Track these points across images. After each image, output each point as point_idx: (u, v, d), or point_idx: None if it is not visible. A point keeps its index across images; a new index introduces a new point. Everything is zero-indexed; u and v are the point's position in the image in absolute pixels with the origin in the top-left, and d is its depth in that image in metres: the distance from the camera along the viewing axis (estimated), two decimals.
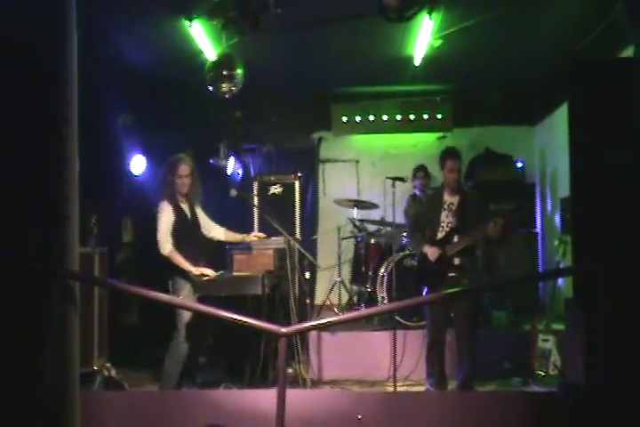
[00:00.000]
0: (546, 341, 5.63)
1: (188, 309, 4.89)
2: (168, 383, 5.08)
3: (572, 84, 4.27)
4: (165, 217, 5.17)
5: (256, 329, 3.69)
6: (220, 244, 5.66)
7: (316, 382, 5.91)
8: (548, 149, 8.35)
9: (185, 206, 5.34)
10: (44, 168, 3.20)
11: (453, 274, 5.26)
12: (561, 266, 5.72)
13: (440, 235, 5.34)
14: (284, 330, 3.46)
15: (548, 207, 8.17)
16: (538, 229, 8.12)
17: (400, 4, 4.53)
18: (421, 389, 5.61)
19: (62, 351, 3.11)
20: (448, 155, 5.42)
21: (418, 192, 7.51)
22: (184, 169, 5.27)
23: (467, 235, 5.21)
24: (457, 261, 5.26)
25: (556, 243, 5.87)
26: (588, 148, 4.03)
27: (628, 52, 5.09)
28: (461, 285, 5.16)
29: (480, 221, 5.16)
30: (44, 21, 3.58)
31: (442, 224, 5.34)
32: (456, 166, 5.35)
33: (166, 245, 5.11)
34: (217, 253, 5.66)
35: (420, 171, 7.56)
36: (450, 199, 5.37)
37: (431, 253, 5.27)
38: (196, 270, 5.09)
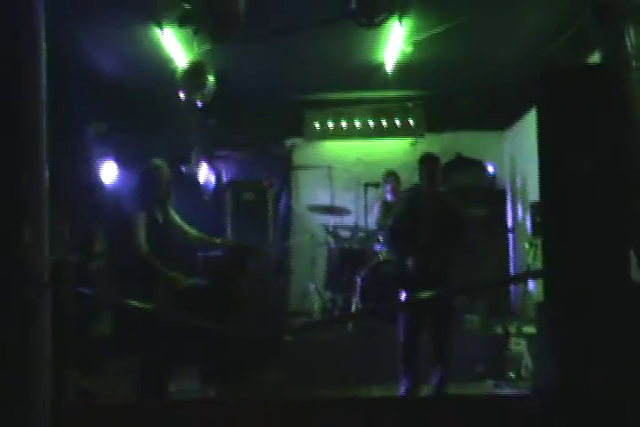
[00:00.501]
0: (518, 344, 5.69)
1: (161, 317, 4.87)
2: (142, 393, 5.04)
3: (540, 92, 4.34)
4: (140, 223, 5.13)
5: (230, 335, 3.70)
6: (194, 251, 5.64)
7: (291, 388, 5.90)
8: (517, 153, 8.44)
9: (159, 213, 5.31)
10: (13, 174, 3.17)
11: (433, 281, 5.16)
12: (532, 269, 5.78)
13: (421, 241, 5.27)
14: (257, 336, 3.47)
15: (519, 211, 8.25)
16: (509, 234, 8.19)
17: (370, 9, 4.56)
18: (395, 393, 5.63)
19: (34, 361, 3.08)
20: (426, 160, 5.43)
21: (389, 197, 7.55)
22: (161, 176, 5.25)
23: (449, 242, 5.19)
24: (437, 267, 5.22)
25: (527, 246, 5.93)
26: (556, 153, 4.10)
27: (596, 58, 5.17)
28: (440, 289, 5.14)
29: (459, 226, 5.23)
30: (12, 26, 3.55)
31: (422, 230, 5.29)
32: (435, 172, 5.36)
33: (143, 247, 5.07)
34: (190, 261, 5.63)
35: (391, 175, 7.60)
36: (429, 205, 5.34)
37: (414, 260, 5.22)
38: (171, 275, 5.07)
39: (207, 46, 5.62)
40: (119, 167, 7.07)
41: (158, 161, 5.36)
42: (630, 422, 3.02)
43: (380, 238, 6.59)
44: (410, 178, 8.05)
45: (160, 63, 6.12)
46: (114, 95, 6.88)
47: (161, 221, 5.30)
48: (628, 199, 3.57)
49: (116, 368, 6.32)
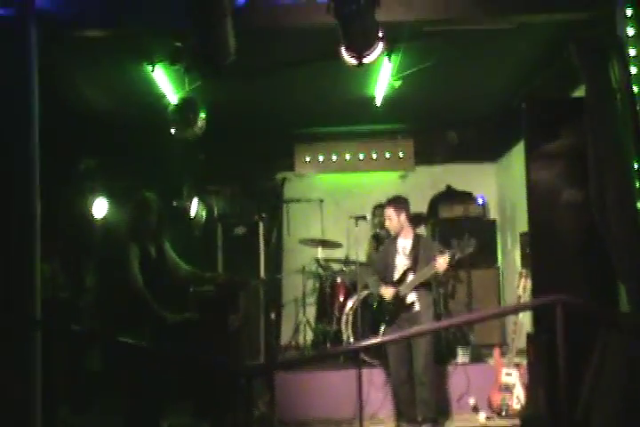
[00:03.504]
0: (509, 375, 5.67)
1: (153, 354, 4.83)
2: None
3: (527, 124, 4.41)
4: (133, 255, 5.11)
5: (222, 370, 3.68)
6: (185, 286, 5.61)
7: (283, 423, 5.85)
8: (506, 185, 8.51)
9: (152, 247, 5.30)
10: (4, 213, 3.19)
11: (408, 312, 5.51)
12: (522, 300, 5.79)
13: (396, 276, 5.62)
14: (249, 370, 3.45)
15: (508, 242, 8.28)
16: (499, 264, 8.21)
17: (359, 48, 4.63)
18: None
19: (24, 399, 3.06)
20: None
21: (378, 230, 7.61)
22: (151, 208, 5.26)
23: (418, 273, 5.47)
24: (410, 298, 5.52)
25: (517, 277, 5.95)
26: (543, 184, 4.15)
27: (581, 92, 5.26)
28: (417, 322, 5.42)
29: (430, 260, 5.43)
30: (5, 67, 3.60)
31: (397, 266, 5.65)
32: (407, 216, 5.67)
33: (137, 281, 5.04)
34: (181, 296, 5.60)
35: (380, 208, 7.65)
36: (403, 243, 5.68)
37: (385, 292, 5.56)
38: (162, 313, 5.04)
39: (198, 83, 5.69)
40: (109, 202, 7.08)
41: (148, 193, 5.37)
42: None
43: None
44: None
45: (151, 99, 6.18)
46: (105, 131, 6.92)
47: (154, 255, 5.28)
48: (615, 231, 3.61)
49: (106, 405, 6.25)
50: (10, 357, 3.02)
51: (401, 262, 5.63)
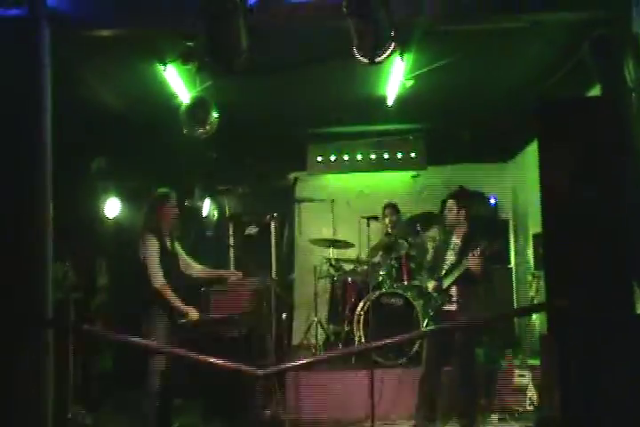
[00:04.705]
0: (522, 376, 5.64)
1: (163, 353, 4.84)
2: None
3: (541, 123, 4.37)
4: (153, 248, 5.13)
5: (233, 371, 3.67)
6: (196, 285, 5.62)
7: (295, 424, 5.84)
8: (519, 185, 8.47)
9: (168, 241, 5.33)
10: (17, 213, 3.19)
11: (450, 307, 5.52)
12: (535, 302, 5.76)
13: (443, 271, 5.65)
14: (261, 372, 3.45)
15: (521, 242, 8.24)
16: (512, 265, 8.17)
17: (372, 47, 4.61)
18: None
19: (36, 398, 3.06)
20: (449, 197, 5.88)
21: (389, 229, 7.60)
22: (169, 203, 5.32)
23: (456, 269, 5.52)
24: (453, 291, 5.54)
25: (530, 278, 5.91)
26: (557, 184, 4.11)
27: (595, 91, 5.22)
28: (455, 318, 5.43)
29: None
30: (17, 64, 3.61)
31: (446, 261, 5.68)
32: (467, 213, 5.72)
33: (159, 277, 5.06)
34: (192, 294, 5.60)
35: (390, 207, 7.69)
36: (456, 240, 5.71)
37: (430, 285, 5.65)
38: (185, 308, 5.06)
39: (209, 82, 5.68)
40: (121, 202, 7.09)
41: (167, 189, 5.43)
42: None
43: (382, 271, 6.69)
44: (411, 210, 8.10)
45: (163, 99, 6.18)
46: (116, 130, 6.93)
47: (170, 249, 5.31)
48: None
49: (118, 404, 6.27)
50: (22, 357, 3.03)
51: (450, 258, 5.66)
